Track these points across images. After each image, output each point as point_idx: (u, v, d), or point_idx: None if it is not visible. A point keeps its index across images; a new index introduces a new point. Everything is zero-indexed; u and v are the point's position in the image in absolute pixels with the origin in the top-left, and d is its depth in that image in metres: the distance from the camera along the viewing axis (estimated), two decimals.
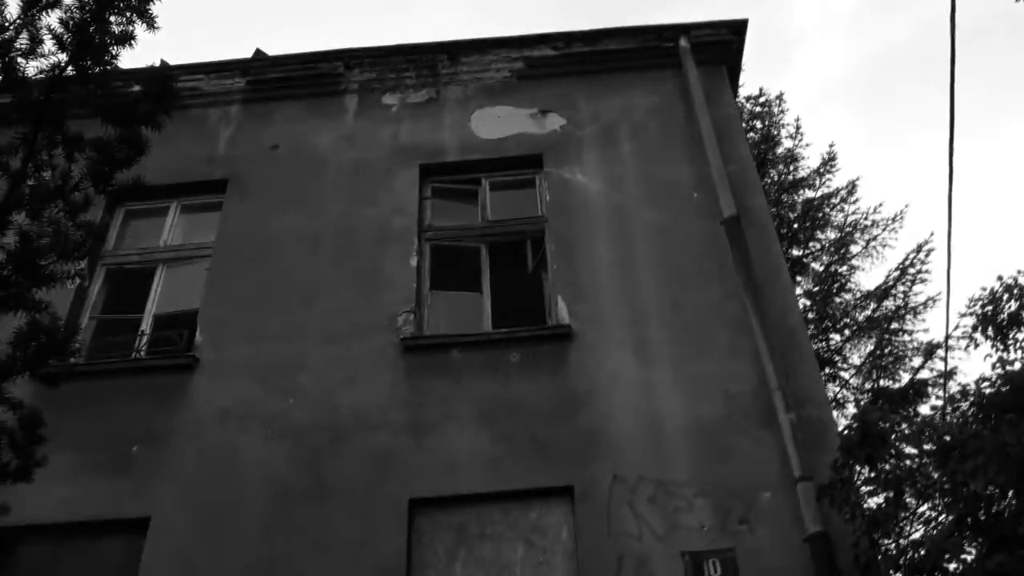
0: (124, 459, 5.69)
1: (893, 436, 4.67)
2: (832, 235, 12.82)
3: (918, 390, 10.21)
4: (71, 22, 3.86)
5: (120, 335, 6.69)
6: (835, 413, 9.48)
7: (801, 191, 13.20)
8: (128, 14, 3.93)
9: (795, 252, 12.67)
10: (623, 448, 5.47)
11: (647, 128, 7.36)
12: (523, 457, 5.50)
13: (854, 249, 12.61)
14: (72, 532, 5.44)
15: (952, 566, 4.22)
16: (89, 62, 3.90)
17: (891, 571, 4.50)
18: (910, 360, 11.65)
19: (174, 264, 7.08)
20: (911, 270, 11.91)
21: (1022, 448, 4.02)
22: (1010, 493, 4.21)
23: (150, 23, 3.98)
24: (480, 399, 5.81)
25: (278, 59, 8.17)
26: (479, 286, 6.77)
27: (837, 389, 11.89)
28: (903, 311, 11.83)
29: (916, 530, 4.72)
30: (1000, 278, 5.04)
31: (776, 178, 13.26)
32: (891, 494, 4.57)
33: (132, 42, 3.96)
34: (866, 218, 12.71)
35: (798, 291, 12.11)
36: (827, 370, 11.71)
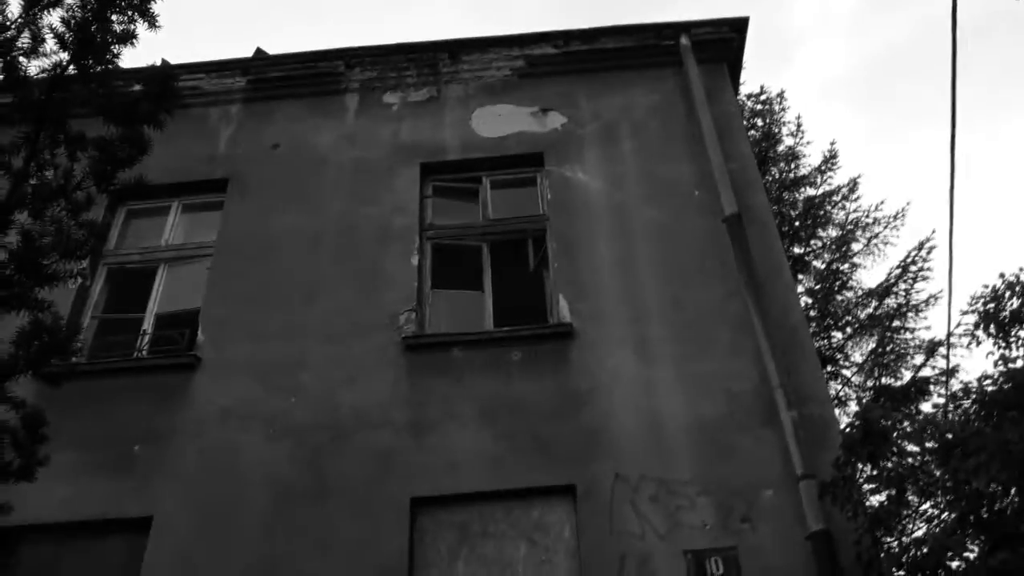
0: (126, 458, 5.69)
1: (895, 434, 4.67)
2: (833, 233, 12.81)
3: (920, 388, 10.19)
4: (72, 21, 3.86)
5: (122, 334, 6.70)
6: (837, 411, 9.47)
7: (802, 189, 13.19)
8: (129, 13, 3.93)
9: (796, 250, 12.66)
10: (625, 447, 5.47)
11: (648, 126, 7.35)
12: (525, 456, 5.50)
13: (855, 247, 12.59)
14: (74, 531, 5.44)
15: (955, 564, 4.21)
16: (91, 61, 3.90)
17: (893, 569, 4.50)
18: (912, 358, 11.64)
19: (175, 263, 7.09)
20: (913, 268, 11.90)
21: None
22: (1012, 491, 4.21)
23: (151, 22, 3.98)
24: (482, 398, 5.80)
25: (278, 58, 8.17)
26: (480, 285, 6.77)
27: (839, 387, 11.89)
28: (905, 309, 11.82)
29: (918, 528, 4.72)
30: (1002, 275, 5.04)
31: (777, 176, 13.25)
32: (893, 492, 4.56)
33: (133, 41, 3.96)
34: (867, 216, 12.70)
35: (799, 289, 12.10)
36: (829, 368, 11.71)
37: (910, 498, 4.59)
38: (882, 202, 14.63)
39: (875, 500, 4.83)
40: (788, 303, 6.14)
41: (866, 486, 4.79)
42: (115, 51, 3.95)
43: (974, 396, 4.67)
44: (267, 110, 7.84)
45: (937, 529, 4.48)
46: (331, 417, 5.78)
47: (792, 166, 13.38)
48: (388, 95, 7.86)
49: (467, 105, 7.71)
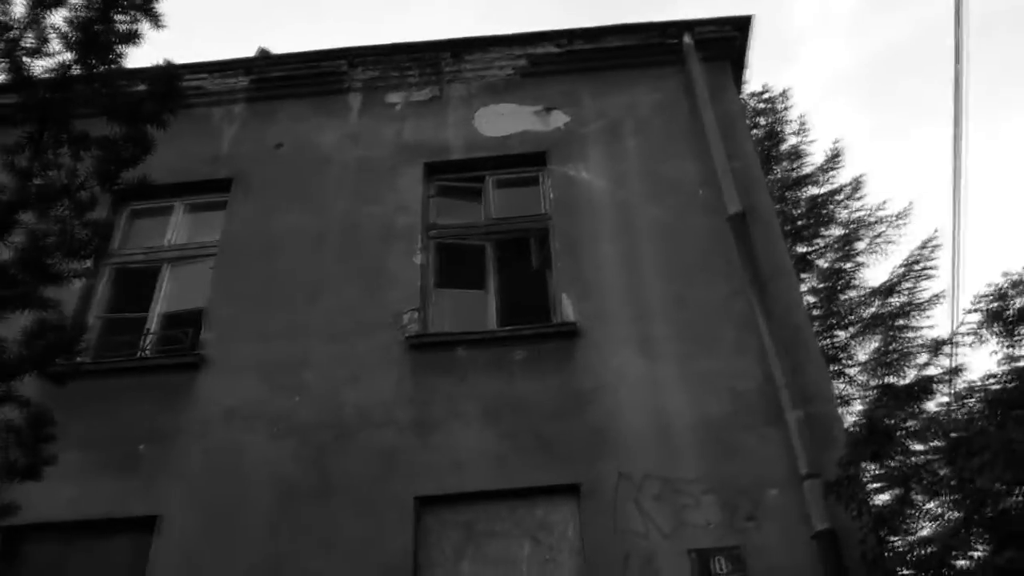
0: (131, 458, 5.70)
1: (900, 433, 4.66)
2: (837, 232, 12.77)
3: (924, 387, 10.14)
4: (77, 21, 3.87)
5: (126, 334, 6.70)
6: (841, 410, 9.45)
7: (806, 188, 13.15)
8: (133, 12, 3.93)
9: (800, 249, 12.62)
10: (629, 445, 5.47)
11: (651, 125, 7.35)
12: (529, 455, 5.50)
13: (859, 246, 12.55)
14: (80, 531, 5.45)
15: (960, 563, 4.20)
16: (95, 61, 3.90)
17: (898, 568, 4.49)
18: (916, 357, 11.60)
19: (179, 263, 7.10)
20: (917, 266, 11.87)
21: None
22: (1017, 490, 4.20)
23: (156, 21, 3.98)
24: (485, 397, 5.80)
25: (281, 58, 8.18)
26: (484, 284, 6.77)
27: (843, 386, 11.85)
28: (909, 308, 11.78)
29: (923, 527, 4.71)
30: (1006, 274, 5.02)
31: (781, 175, 13.22)
32: (898, 491, 4.56)
33: (138, 40, 3.97)
34: (871, 215, 12.66)
35: (803, 288, 12.07)
36: (833, 367, 11.67)
37: (915, 497, 4.58)
38: (886, 201, 14.61)
39: (880, 499, 4.82)
40: (792, 302, 6.13)
41: (871, 485, 4.78)
42: (119, 51, 3.96)
43: (979, 395, 4.66)
44: (270, 110, 7.84)
45: (942, 528, 4.47)
46: (335, 416, 5.78)
47: (795, 165, 13.35)
48: (391, 94, 7.86)
49: (470, 104, 7.70)
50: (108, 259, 7.03)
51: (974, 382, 4.77)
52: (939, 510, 4.62)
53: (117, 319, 6.92)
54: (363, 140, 7.52)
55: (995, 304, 5.01)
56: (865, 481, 4.77)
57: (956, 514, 4.44)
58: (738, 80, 8.07)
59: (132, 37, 3.97)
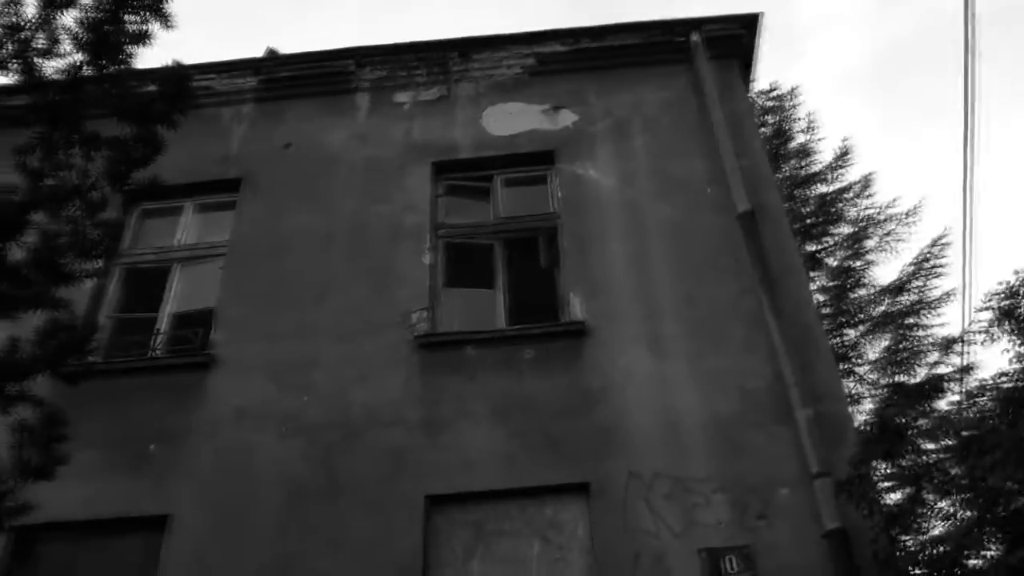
0: (141, 457, 5.73)
1: (911, 431, 4.64)
2: (847, 230, 12.71)
3: (935, 385, 10.09)
4: (87, 21, 3.88)
5: (136, 334, 6.74)
6: (851, 409, 9.40)
7: (815, 185, 13.09)
8: (143, 13, 3.95)
9: (810, 247, 12.57)
10: (639, 444, 5.46)
11: (659, 123, 7.33)
12: (538, 454, 5.50)
13: (869, 244, 12.48)
14: (92, 530, 5.48)
15: (972, 562, 4.18)
16: (105, 61, 3.91)
17: (910, 568, 4.47)
18: (927, 355, 11.53)
19: (189, 263, 7.12)
20: (927, 264, 11.80)
21: None
22: None
23: (165, 22, 3.99)
24: (494, 396, 5.80)
25: (289, 58, 8.20)
26: (493, 283, 6.77)
27: (853, 385, 11.80)
28: (919, 306, 11.71)
29: (935, 526, 4.68)
30: (1018, 271, 4.99)
31: (789, 173, 13.16)
32: (910, 490, 4.53)
33: (148, 41, 3.98)
34: (881, 212, 12.59)
35: (813, 286, 12.02)
36: (843, 366, 11.62)
37: (927, 496, 4.56)
38: (895, 199, 14.50)
39: (891, 498, 4.80)
40: (802, 300, 6.11)
41: (882, 484, 4.76)
42: (129, 51, 3.97)
43: (990, 393, 4.63)
44: (278, 110, 7.87)
45: (954, 527, 4.45)
46: (343, 416, 5.79)
47: (804, 163, 13.29)
48: (399, 94, 7.87)
49: (478, 103, 7.71)
50: (119, 259, 7.06)
51: (986, 380, 4.76)
52: (951, 509, 4.59)
53: (128, 319, 6.96)
54: (371, 140, 7.53)
55: (1007, 302, 4.98)
56: (876, 480, 4.74)
57: (968, 513, 4.41)
58: (746, 78, 8.05)
59: (142, 37, 3.98)
